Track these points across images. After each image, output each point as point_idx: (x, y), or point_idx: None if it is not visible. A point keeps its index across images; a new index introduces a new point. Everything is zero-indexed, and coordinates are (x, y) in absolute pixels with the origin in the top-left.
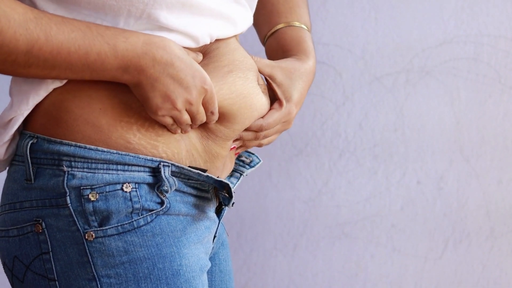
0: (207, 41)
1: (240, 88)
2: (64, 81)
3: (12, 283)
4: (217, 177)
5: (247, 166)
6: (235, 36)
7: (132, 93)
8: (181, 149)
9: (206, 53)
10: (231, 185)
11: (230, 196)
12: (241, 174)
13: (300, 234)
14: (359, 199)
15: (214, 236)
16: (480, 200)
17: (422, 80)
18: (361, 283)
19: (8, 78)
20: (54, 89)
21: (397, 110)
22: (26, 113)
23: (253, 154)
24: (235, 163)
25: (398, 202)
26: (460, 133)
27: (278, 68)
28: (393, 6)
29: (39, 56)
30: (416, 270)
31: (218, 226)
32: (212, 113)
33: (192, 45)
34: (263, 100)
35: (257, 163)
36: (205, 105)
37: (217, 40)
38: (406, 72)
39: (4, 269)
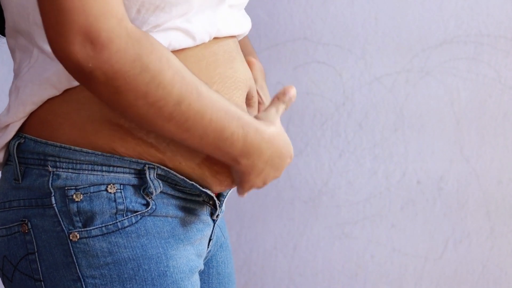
0: (205, 39)
1: None
2: (61, 91)
3: (3, 282)
4: (203, 187)
5: None
6: (233, 38)
7: None
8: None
9: (205, 56)
10: (215, 199)
11: (215, 208)
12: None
13: (300, 234)
14: (359, 199)
15: (210, 239)
16: (480, 200)
17: (422, 80)
18: (361, 283)
19: (7, 78)
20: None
21: (397, 110)
22: (23, 120)
23: None
24: None
25: (398, 202)
26: (460, 133)
27: (260, 71)
28: (393, 6)
29: (185, 113)
30: (416, 270)
31: (213, 228)
32: None
33: (190, 43)
34: None
35: None
36: None
37: (216, 40)
38: (406, 72)
39: None
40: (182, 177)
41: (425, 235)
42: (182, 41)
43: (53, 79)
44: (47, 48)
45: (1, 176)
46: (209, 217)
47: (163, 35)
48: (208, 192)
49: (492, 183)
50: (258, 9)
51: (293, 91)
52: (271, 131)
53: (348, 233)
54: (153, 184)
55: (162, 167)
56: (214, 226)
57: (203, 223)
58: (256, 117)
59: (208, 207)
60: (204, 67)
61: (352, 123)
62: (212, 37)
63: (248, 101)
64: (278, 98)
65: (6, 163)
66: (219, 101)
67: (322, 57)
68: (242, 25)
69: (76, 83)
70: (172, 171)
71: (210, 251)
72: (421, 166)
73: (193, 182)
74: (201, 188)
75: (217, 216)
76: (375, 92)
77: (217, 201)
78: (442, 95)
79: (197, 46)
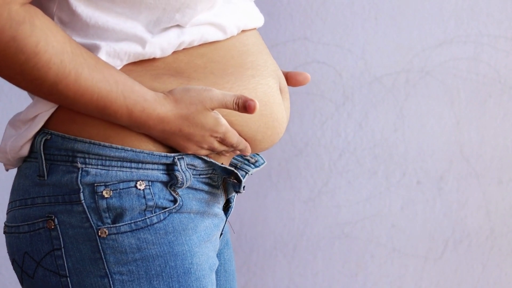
0: (234, 32)
1: (261, 95)
2: None
3: (21, 280)
4: (222, 163)
5: (252, 166)
6: (255, 30)
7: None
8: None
9: (236, 46)
10: (239, 174)
11: (239, 181)
12: (246, 173)
13: (300, 234)
14: (359, 199)
15: (221, 234)
16: (480, 200)
17: (422, 80)
18: (361, 283)
19: None
20: None
21: (397, 110)
22: (52, 110)
23: (257, 154)
24: (240, 161)
25: (398, 202)
26: (460, 133)
27: None
28: (393, 6)
29: (63, 92)
30: (416, 270)
31: (225, 223)
32: (233, 146)
33: (221, 36)
34: (282, 110)
35: (262, 164)
36: (223, 143)
37: (243, 32)
38: (406, 72)
39: (13, 265)
40: (204, 156)
41: (425, 235)
42: (214, 34)
43: None
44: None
45: (20, 174)
46: (222, 212)
47: (196, 29)
48: (228, 167)
49: (492, 183)
50: (258, 9)
51: (252, 104)
52: (162, 111)
53: (348, 233)
54: (185, 176)
55: (191, 156)
56: (226, 220)
57: (218, 218)
58: (173, 91)
59: (222, 200)
60: (236, 55)
61: (352, 123)
62: (240, 30)
63: (281, 92)
64: (238, 97)
65: (26, 160)
66: (103, 81)
67: (322, 57)
68: (260, 17)
69: None
70: (198, 157)
71: (219, 244)
72: (421, 166)
73: (211, 160)
74: (219, 164)
75: (244, 188)
76: (375, 92)
77: (241, 177)
78: (442, 95)
79: (227, 38)
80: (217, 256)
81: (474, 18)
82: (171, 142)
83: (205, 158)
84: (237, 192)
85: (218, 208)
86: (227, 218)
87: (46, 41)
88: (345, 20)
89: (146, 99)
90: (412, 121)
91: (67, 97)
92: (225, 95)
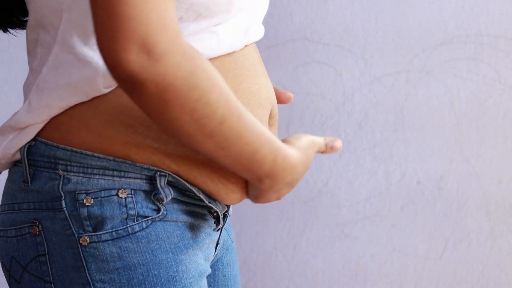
0: (237, 47)
1: None
2: (90, 98)
3: (9, 283)
4: (209, 202)
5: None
6: (254, 44)
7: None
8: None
9: (232, 68)
10: (220, 213)
11: (218, 222)
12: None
13: (300, 234)
14: (359, 199)
15: (217, 244)
16: (480, 200)
17: (422, 80)
18: (361, 283)
19: (7, 78)
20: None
21: (397, 110)
22: (45, 123)
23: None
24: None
25: (398, 202)
26: (460, 133)
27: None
28: (393, 6)
29: (225, 132)
30: (416, 270)
31: (220, 233)
32: None
33: (222, 51)
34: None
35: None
36: None
37: (242, 50)
38: (406, 72)
39: (2, 269)
40: (192, 187)
41: (425, 235)
42: (215, 50)
43: (83, 85)
44: (79, 49)
45: (9, 177)
46: (215, 221)
47: (196, 40)
48: (214, 207)
49: (492, 183)
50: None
51: (338, 144)
52: (296, 160)
53: (348, 233)
54: (164, 192)
55: (173, 175)
56: (221, 230)
57: (211, 227)
58: (288, 140)
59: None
60: (229, 80)
61: (352, 123)
62: (243, 46)
63: (271, 119)
64: (325, 138)
65: (15, 164)
66: (256, 124)
67: (322, 57)
68: (262, 29)
69: (106, 91)
70: (182, 180)
71: (217, 254)
72: (421, 166)
73: (200, 195)
74: (207, 203)
75: (218, 230)
76: (375, 92)
77: (221, 216)
78: (442, 95)
79: (227, 55)
80: (216, 262)
81: (474, 18)
82: (264, 192)
83: (195, 192)
84: (215, 226)
85: (210, 218)
86: (222, 227)
87: (215, 76)
88: (345, 20)
89: (283, 145)
90: (412, 121)
91: (226, 140)
92: (320, 140)
